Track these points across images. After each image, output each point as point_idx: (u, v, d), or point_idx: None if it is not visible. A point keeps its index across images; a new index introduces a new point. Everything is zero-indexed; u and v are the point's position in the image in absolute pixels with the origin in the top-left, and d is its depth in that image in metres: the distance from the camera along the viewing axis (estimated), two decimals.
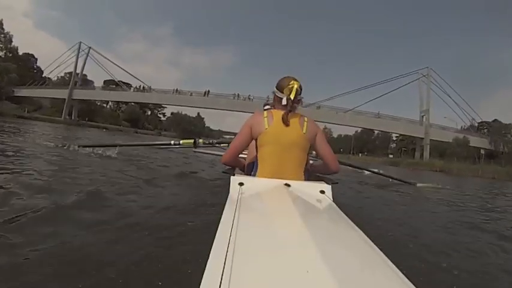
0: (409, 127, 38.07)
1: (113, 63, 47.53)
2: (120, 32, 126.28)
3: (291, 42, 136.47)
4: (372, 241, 0.66)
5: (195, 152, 4.38)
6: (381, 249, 0.62)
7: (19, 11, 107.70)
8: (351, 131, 71.49)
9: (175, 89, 43.14)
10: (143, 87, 45.76)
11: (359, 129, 68.38)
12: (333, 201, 1.06)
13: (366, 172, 5.10)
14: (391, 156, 52.10)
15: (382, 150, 63.14)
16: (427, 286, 0.97)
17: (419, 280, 0.52)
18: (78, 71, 49.38)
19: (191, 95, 42.33)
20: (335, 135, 75.69)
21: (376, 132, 68.58)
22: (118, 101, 58.70)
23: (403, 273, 0.52)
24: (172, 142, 3.33)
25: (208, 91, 41.59)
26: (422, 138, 36.72)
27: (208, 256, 0.52)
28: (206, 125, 79.73)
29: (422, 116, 38.22)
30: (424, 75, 39.21)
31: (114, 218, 1.50)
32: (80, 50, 48.86)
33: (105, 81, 47.96)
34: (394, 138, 65.40)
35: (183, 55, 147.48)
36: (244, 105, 38.37)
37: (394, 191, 4.48)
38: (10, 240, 1.10)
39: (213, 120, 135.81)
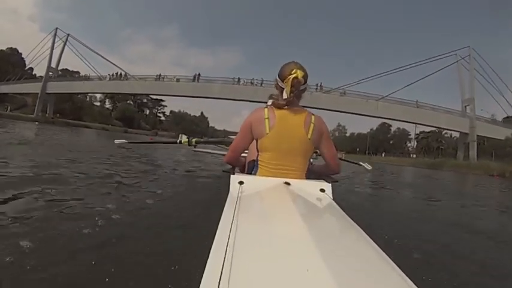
0: (453, 120, 30.26)
1: (93, 51, 40.95)
2: (125, 35, 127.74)
3: (306, 26, 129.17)
4: (372, 239, 0.66)
5: (195, 151, 4.11)
6: (380, 248, 0.62)
7: (24, 14, 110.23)
8: (365, 129, 64.91)
9: (159, 74, 35.41)
10: (120, 74, 38.32)
11: (374, 127, 62.51)
12: (333, 199, 1.05)
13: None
14: (413, 156, 46.08)
15: (399, 149, 57.39)
16: (427, 285, 0.96)
17: (420, 278, 0.56)
18: (57, 61, 43.33)
19: (178, 80, 34.52)
20: (347, 133, 69.86)
21: (392, 129, 62.99)
22: (101, 94, 52.65)
23: (403, 271, 0.52)
24: (172, 140, 3.11)
25: (199, 75, 33.55)
26: (467, 133, 29.34)
27: (208, 255, 0.53)
28: (210, 125, 75.93)
29: (465, 107, 30.85)
30: (463, 58, 31.74)
31: (113, 217, 1.52)
32: (62, 39, 42.52)
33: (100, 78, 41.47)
34: (415, 136, 59.16)
35: (189, 56, 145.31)
36: (246, 92, 30.87)
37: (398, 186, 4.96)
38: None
39: (218, 119, 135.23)
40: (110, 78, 38.45)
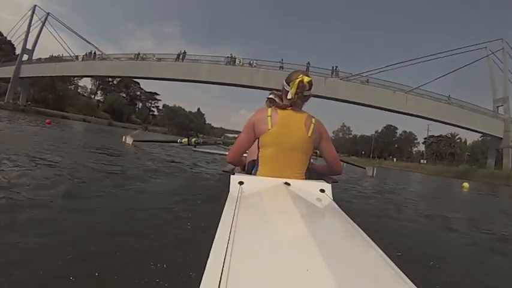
0: (487, 122, 25.52)
1: (74, 33, 35.93)
2: (127, 30, 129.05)
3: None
4: (372, 239, 0.66)
5: (195, 150, 4.27)
6: (380, 247, 0.62)
7: (26, 6, 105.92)
8: (369, 131, 61.20)
9: (137, 53, 29.64)
10: (94, 52, 32.65)
11: (379, 129, 58.79)
12: (333, 199, 1.05)
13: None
14: (424, 162, 42.38)
15: (405, 154, 53.93)
16: (427, 284, 0.97)
17: (419, 278, 0.53)
18: (33, 43, 37.97)
19: (159, 60, 28.64)
20: (351, 135, 66.03)
21: (398, 133, 59.47)
22: (92, 84, 47.29)
23: (402, 271, 0.52)
24: (178, 140, 3.36)
25: (184, 52, 27.75)
26: (500, 138, 25.25)
27: (208, 255, 0.52)
28: (207, 122, 73.01)
29: (497, 107, 26.74)
30: (493, 53, 27.58)
31: (113, 217, 1.53)
32: (43, 19, 37.25)
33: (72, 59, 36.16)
34: (422, 141, 55.54)
35: (189, 53, 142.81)
36: (241, 74, 25.64)
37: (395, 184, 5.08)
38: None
39: (216, 117, 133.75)
40: (83, 58, 33.15)
